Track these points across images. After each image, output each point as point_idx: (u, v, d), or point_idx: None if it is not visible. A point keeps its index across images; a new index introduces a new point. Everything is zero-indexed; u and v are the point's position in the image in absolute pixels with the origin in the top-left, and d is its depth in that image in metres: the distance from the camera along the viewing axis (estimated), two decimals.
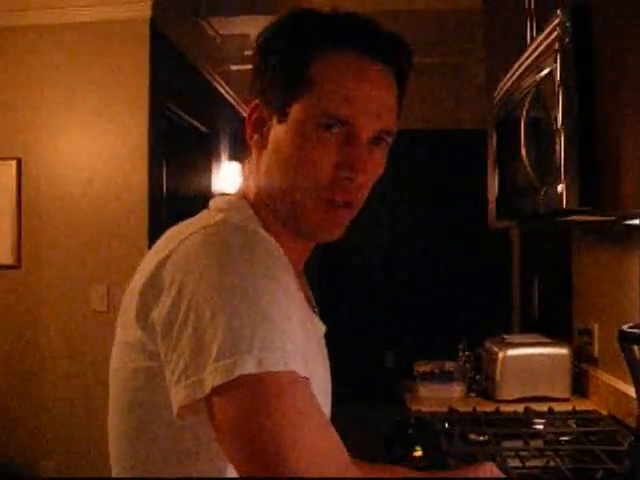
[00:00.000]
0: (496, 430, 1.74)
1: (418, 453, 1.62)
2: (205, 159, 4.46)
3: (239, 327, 0.68)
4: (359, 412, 4.22)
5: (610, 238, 2.06)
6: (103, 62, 3.32)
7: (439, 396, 2.19)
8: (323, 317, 0.96)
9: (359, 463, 0.92)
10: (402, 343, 5.09)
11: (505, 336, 2.31)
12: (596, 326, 2.16)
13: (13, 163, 3.34)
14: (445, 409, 1.96)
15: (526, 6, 1.67)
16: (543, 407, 1.93)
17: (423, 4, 3.81)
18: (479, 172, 2.32)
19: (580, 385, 2.18)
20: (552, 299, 2.89)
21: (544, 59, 1.37)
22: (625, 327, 1.30)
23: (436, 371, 2.28)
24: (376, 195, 0.91)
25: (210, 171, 4.53)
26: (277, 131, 0.86)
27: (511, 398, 2.08)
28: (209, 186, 4.51)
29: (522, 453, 1.56)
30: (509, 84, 1.70)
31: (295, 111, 0.83)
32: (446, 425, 1.79)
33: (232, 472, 0.72)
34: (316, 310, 0.97)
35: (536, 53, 1.43)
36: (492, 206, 2.05)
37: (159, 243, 0.83)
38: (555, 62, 1.30)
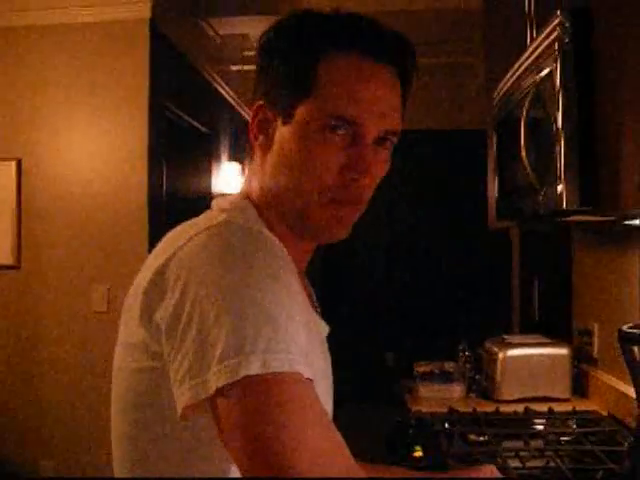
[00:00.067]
0: (496, 430, 1.74)
1: (418, 453, 1.62)
2: (205, 159, 4.46)
3: (243, 328, 0.68)
4: (359, 412, 4.22)
5: (610, 238, 2.06)
6: (103, 62, 3.33)
7: (439, 396, 2.19)
8: (323, 317, 0.96)
9: (360, 464, 0.92)
10: (402, 343, 5.09)
11: (505, 336, 2.31)
12: (596, 326, 2.16)
13: (13, 163, 3.34)
14: (445, 409, 1.96)
15: (526, 6, 1.67)
16: (543, 407, 1.93)
17: (423, 4, 3.81)
18: (479, 172, 2.32)
19: (580, 385, 2.18)
20: (552, 299, 2.89)
21: (544, 59, 1.37)
22: (625, 327, 1.30)
23: (436, 371, 2.28)
24: (376, 196, 0.91)
25: (210, 171, 4.53)
26: (282, 132, 0.86)
27: (511, 398, 2.08)
28: (209, 186, 4.51)
29: (522, 453, 1.56)
30: (509, 84, 1.70)
31: (300, 113, 0.83)
32: (446, 425, 1.79)
33: (235, 472, 0.72)
34: (318, 310, 0.97)
35: (536, 53, 1.43)
36: (492, 206, 2.05)
37: (162, 243, 0.83)
38: (555, 62, 1.30)
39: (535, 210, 1.51)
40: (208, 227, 0.78)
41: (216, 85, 4.52)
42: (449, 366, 2.30)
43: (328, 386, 0.92)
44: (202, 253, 0.74)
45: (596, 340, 2.15)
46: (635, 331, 1.28)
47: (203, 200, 4.15)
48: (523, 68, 1.55)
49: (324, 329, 0.96)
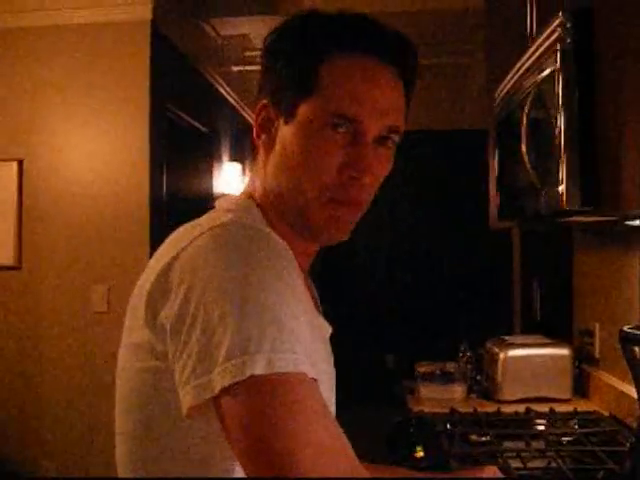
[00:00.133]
0: (497, 431, 1.74)
1: (420, 454, 1.62)
2: (206, 160, 4.46)
3: (248, 328, 0.68)
4: (361, 413, 4.22)
5: (611, 239, 2.06)
6: (104, 63, 3.33)
7: (440, 397, 2.19)
8: (325, 318, 0.96)
9: (363, 464, 0.92)
10: (403, 345, 5.08)
11: (506, 337, 2.31)
12: (597, 326, 2.16)
13: (14, 164, 3.34)
14: (446, 410, 1.96)
15: (527, 7, 1.67)
16: (544, 408, 1.93)
17: (423, 4, 3.81)
18: (480, 173, 2.32)
19: (581, 386, 2.18)
20: (553, 300, 2.88)
21: (545, 60, 1.37)
22: (626, 327, 1.30)
23: (437, 372, 2.28)
24: (377, 196, 0.91)
25: (211, 172, 4.53)
26: (284, 131, 0.86)
27: (512, 399, 2.08)
28: (210, 187, 4.51)
29: (523, 454, 1.55)
30: (510, 85, 1.70)
31: (302, 111, 0.84)
32: (447, 426, 1.79)
33: (240, 472, 0.72)
34: (321, 311, 0.97)
35: (537, 54, 1.43)
36: (493, 207, 2.05)
37: (166, 245, 0.83)
38: (556, 63, 1.30)
39: (536, 210, 1.51)
40: (212, 227, 0.78)
41: (217, 86, 4.52)
42: (450, 366, 2.29)
43: (331, 386, 0.92)
44: (206, 253, 0.74)
45: (597, 340, 2.15)
46: (636, 331, 1.28)
47: (204, 200, 4.15)
48: (524, 68, 1.55)
49: (327, 329, 0.96)
